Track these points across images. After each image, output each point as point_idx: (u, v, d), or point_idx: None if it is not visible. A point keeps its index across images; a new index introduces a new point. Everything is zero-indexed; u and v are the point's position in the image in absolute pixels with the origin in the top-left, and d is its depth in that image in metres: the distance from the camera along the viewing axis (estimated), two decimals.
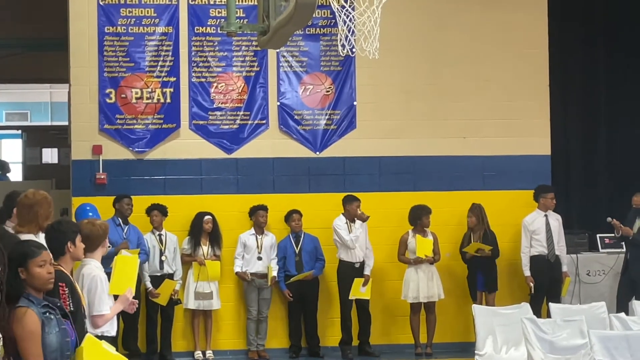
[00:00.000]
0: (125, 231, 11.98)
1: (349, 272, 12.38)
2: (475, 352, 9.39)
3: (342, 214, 12.49)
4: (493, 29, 13.31)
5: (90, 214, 11.47)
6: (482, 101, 13.24)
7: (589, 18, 14.26)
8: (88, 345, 5.44)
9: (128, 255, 7.73)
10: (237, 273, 12.38)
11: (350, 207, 12.44)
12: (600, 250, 13.42)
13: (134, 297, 7.29)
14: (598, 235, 13.49)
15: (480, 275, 12.55)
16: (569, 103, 14.19)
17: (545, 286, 12.39)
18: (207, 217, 12.39)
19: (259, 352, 12.46)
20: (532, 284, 12.42)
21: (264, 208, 12.44)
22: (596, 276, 13.12)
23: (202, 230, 12.37)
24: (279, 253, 12.51)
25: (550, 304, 10.02)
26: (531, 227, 12.55)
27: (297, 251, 12.50)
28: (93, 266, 7.10)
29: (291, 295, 12.41)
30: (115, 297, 7.29)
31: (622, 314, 8.95)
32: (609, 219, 12.76)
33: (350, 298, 12.39)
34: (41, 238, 6.98)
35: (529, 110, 13.30)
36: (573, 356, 8.35)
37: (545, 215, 12.61)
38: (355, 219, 12.41)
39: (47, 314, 5.21)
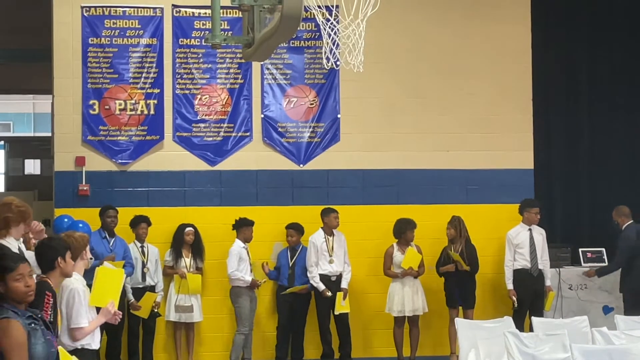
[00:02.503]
0: (111, 243, 11.94)
1: (326, 285, 12.37)
2: None
3: (321, 227, 12.49)
4: (476, 42, 13.36)
5: (81, 225, 11.42)
6: (466, 114, 13.28)
7: (573, 31, 14.31)
8: None
9: (110, 267, 7.67)
10: (253, 282, 12.19)
11: (328, 220, 12.44)
12: (583, 264, 13.45)
13: (118, 309, 7.26)
14: (580, 250, 13.52)
15: (458, 290, 12.52)
16: (552, 117, 14.23)
17: (528, 300, 12.39)
18: (188, 228, 12.36)
19: None
20: (514, 298, 12.43)
21: (250, 224, 12.35)
22: (578, 290, 13.15)
23: (184, 242, 12.34)
24: (277, 262, 12.54)
25: (532, 317, 10.03)
26: (515, 240, 12.57)
27: (291, 264, 12.49)
28: (73, 279, 7.08)
29: (278, 310, 12.39)
30: (98, 309, 7.26)
31: (604, 328, 8.96)
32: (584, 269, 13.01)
33: (335, 313, 12.39)
34: (11, 241, 7.01)
35: (512, 123, 13.35)
36: None
37: (530, 229, 12.63)
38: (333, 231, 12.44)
39: (33, 324, 5.19)
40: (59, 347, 5.64)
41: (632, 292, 12.51)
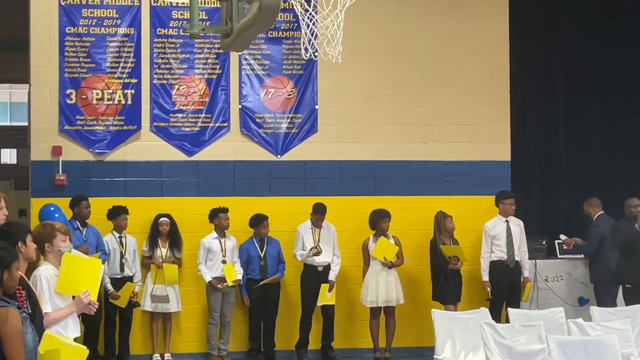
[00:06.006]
0: (84, 234, 11.90)
1: (312, 275, 12.40)
2: (434, 356, 9.42)
3: (310, 219, 12.51)
4: (454, 35, 13.38)
5: (57, 215, 11.38)
6: (443, 107, 13.31)
7: (550, 25, 14.37)
8: (47, 342, 5.42)
9: (79, 254, 7.58)
10: (210, 283, 12.22)
11: (313, 217, 12.47)
12: (559, 255, 13.53)
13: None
14: (557, 241, 13.59)
15: (453, 285, 12.55)
16: (529, 110, 14.28)
17: (504, 291, 12.44)
18: (162, 219, 12.33)
19: (222, 356, 12.41)
20: (489, 289, 12.48)
21: (225, 210, 12.40)
22: (554, 282, 13.22)
23: (160, 233, 12.31)
24: (242, 256, 12.47)
25: (508, 309, 10.07)
26: (492, 232, 12.62)
27: (262, 255, 12.48)
28: (43, 268, 7.04)
29: (249, 301, 12.38)
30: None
31: (580, 320, 9.01)
32: (562, 237, 13.04)
33: (318, 305, 12.41)
34: None
35: (489, 116, 13.39)
36: None
37: (507, 221, 12.68)
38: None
39: (23, 314, 5.19)
40: (47, 331, 5.65)
41: (600, 281, 12.68)
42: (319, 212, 12.47)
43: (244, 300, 12.44)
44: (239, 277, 12.29)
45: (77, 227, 11.87)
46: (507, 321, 9.68)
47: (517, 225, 12.72)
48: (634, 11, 14.46)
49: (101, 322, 11.99)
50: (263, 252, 12.48)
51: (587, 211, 13.03)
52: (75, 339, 7.08)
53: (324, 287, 12.38)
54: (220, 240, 12.33)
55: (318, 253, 12.39)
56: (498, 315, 11.72)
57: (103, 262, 11.59)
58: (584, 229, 13.31)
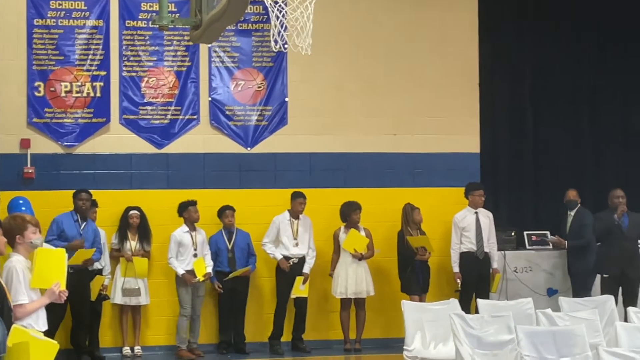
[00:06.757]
0: (82, 227, 11.83)
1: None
2: (404, 347, 9.45)
3: (288, 210, 12.51)
4: (425, 27, 13.42)
5: (23, 208, 11.32)
6: (413, 99, 13.34)
7: (519, 18, 14.43)
8: (16, 335, 5.39)
9: (50, 248, 7.57)
10: (183, 276, 12.15)
11: (294, 204, 12.48)
12: (528, 247, 13.60)
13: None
14: (525, 233, 13.67)
15: (422, 276, 12.60)
16: (498, 102, 14.33)
17: (473, 282, 12.51)
18: (132, 211, 12.29)
19: (192, 350, 12.37)
20: (459, 281, 12.55)
21: (194, 203, 12.36)
22: (523, 273, 13.28)
23: (130, 225, 12.27)
24: (211, 248, 12.45)
25: (478, 300, 10.12)
26: (461, 224, 12.67)
27: (230, 247, 12.46)
28: (15, 259, 7.02)
29: (221, 287, 12.35)
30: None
31: (548, 310, 9.06)
32: (550, 237, 13.13)
33: (291, 297, 12.42)
34: None
35: (459, 108, 13.43)
36: (500, 351, 8.42)
37: (476, 213, 12.74)
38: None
39: None
40: (15, 325, 5.62)
41: (582, 273, 12.71)
42: (300, 196, 12.44)
43: (215, 285, 12.38)
44: (209, 270, 12.26)
45: (76, 219, 11.81)
46: (477, 312, 9.72)
47: (486, 217, 12.78)
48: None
49: (66, 315, 11.85)
50: (231, 244, 12.47)
51: (576, 200, 13.04)
52: (45, 333, 7.07)
53: (299, 279, 12.39)
54: (191, 234, 12.29)
55: (289, 268, 12.39)
56: (467, 306, 11.79)
57: (97, 260, 11.63)
58: (552, 220, 13.42)
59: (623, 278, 12.24)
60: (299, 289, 12.41)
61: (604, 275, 12.35)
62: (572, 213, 13.08)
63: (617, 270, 12.24)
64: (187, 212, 12.30)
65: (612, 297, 10.00)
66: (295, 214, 12.53)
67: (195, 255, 12.22)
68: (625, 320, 9.00)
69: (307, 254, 12.54)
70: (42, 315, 7.15)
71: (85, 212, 11.89)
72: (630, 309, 9.03)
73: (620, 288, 12.14)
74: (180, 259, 12.22)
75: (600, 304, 9.72)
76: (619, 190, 12.50)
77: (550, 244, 13.34)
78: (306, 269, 12.50)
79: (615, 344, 7.85)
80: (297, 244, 12.48)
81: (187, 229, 12.30)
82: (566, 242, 12.98)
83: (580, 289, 12.47)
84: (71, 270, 11.31)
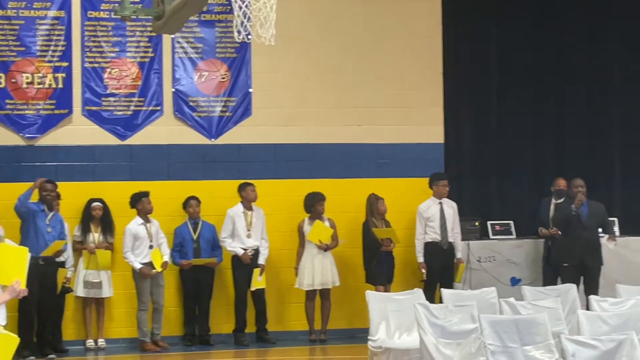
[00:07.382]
0: (48, 217, 11.73)
1: (242, 260, 12.38)
2: (369, 337, 9.46)
3: (240, 202, 12.47)
4: (388, 18, 13.42)
5: None
6: (378, 89, 13.34)
7: (482, 9, 14.45)
8: None
9: (11, 243, 7.50)
10: (141, 270, 12.09)
11: (246, 193, 12.44)
12: (491, 236, 13.66)
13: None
14: (489, 222, 13.73)
15: (386, 267, 12.63)
16: (462, 92, 14.35)
17: (438, 272, 12.56)
18: (95, 203, 12.22)
19: (156, 342, 12.32)
20: (424, 271, 12.59)
21: (147, 194, 12.24)
22: (487, 262, 13.35)
23: (92, 217, 12.19)
24: (176, 239, 12.40)
25: (442, 289, 10.15)
26: (426, 214, 12.71)
27: (195, 238, 12.42)
28: None
29: (189, 263, 12.26)
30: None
31: (512, 299, 9.10)
32: (544, 230, 13.02)
33: (251, 289, 12.40)
34: None
35: (423, 99, 13.46)
36: (464, 340, 8.46)
37: (440, 203, 12.78)
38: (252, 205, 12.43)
39: None
40: None
41: (557, 265, 12.73)
42: (250, 184, 12.43)
43: (182, 264, 12.32)
44: (166, 258, 12.20)
45: (42, 209, 11.73)
46: (441, 302, 9.76)
47: (450, 207, 12.83)
48: None
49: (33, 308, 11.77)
50: (196, 235, 12.43)
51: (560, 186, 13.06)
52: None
53: (256, 272, 12.37)
54: (146, 226, 12.22)
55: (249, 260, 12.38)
56: (432, 295, 11.83)
57: (64, 250, 11.52)
58: (515, 210, 13.50)
59: (583, 267, 12.32)
60: (257, 281, 12.39)
61: (565, 265, 12.43)
62: (559, 202, 13.05)
63: (577, 260, 12.32)
64: (140, 203, 12.22)
65: (574, 286, 10.06)
66: (248, 204, 12.47)
67: (151, 247, 12.16)
68: (587, 308, 9.06)
69: (261, 245, 12.51)
70: (2, 310, 7.08)
71: (50, 203, 11.81)
72: (591, 297, 9.09)
73: (582, 277, 12.22)
74: (136, 251, 12.14)
75: (563, 292, 9.78)
76: (579, 179, 12.56)
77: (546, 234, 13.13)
78: (261, 260, 12.47)
79: (577, 332, 7.90)
80: (249, 235, 12.44)
81: (141, 221, 12.22)
82: (556, 234, 12.89)
83: (550, 279, 12.52)
84: (42, 262, 11.37)
